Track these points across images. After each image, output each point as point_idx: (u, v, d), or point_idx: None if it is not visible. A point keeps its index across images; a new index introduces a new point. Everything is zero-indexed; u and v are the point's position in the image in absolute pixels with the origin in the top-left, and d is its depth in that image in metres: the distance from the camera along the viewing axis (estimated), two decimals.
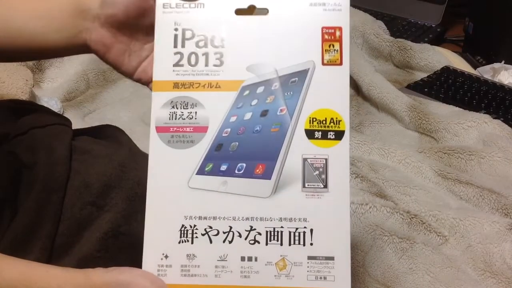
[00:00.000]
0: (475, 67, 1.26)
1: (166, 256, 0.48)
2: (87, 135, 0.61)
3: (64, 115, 1.00)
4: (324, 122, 0.49)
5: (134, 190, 0.56)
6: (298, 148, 0.49)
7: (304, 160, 0.49)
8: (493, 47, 1.27)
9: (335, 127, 0.49)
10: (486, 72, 1.23)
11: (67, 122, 0.61)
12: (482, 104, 1.10)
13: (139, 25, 0.52)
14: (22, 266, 0.46)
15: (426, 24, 1.44)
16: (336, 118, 0.49)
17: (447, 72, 1.21)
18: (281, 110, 0.50)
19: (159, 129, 0.49)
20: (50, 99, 1.07)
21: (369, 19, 1.37)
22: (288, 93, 0.50)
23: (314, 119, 0.49)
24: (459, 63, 1.27)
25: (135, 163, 0.58)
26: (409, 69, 1.28)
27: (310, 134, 0.49)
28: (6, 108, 0.60)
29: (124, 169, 0.57)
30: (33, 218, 0.53)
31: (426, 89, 1.16)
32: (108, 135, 0.62)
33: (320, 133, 0.49)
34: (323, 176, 0.48)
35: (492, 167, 0.94)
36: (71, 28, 0.53)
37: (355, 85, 1.21)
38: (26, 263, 0.46)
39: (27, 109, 0.60)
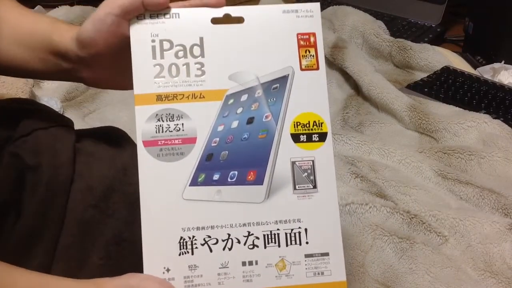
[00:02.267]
0: (475, 67, 1.26)
1: (168, 270, 0.48)
2: (89, 136, 0.61)
3: (64, 115, 1.00)
4: (307, 125, 0.51)
5: (136, 194, 0.56)
6: (286, 152, 0.50)
7: (293, 163, 0.50)
8: (493, 47, 1.27)
9: (318, 129, 0.51)
10: (486, 72, 1.23)
11: (70, 123, 0.61)
12: (482, 104, 1.10)
13: (124, 46, 0.51)
14: (35, 277, 0.46)
15: (426, 24, 1.44)
16: (319, 120, 0.51)
17: (447, 72, 1.21)
18: (266, 117, 0.51)
19: (146, 143, 0.49)
20: (50, 99, 1.07)
21: (369, 19, 1.37)
22: (271, 100, 0.51)
23: (298, 123, 0.51)
24: (459, 63, 1.27)
25: (137, 167, 0.58)
26: (409, 69, 1.28)
27: (295, 138, 0.51)
28: (9, 109, 0.60)
29: (126, 172, 0.57)
30: (37, 221, 0.53)
31: (426, 89, 1.16)
32: (111, 137, 0.62)
33: (305, 136, 0.51)
34: (312, 177, 0.50)
35: (492, 167, 0.94)
36: (55, 65, 0.53)
37: (355, 85, 1.21)
38: (38, 275, 0.47)
39: (30, 109, 0.60)
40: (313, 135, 0.51)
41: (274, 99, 0.51)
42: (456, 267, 0.77)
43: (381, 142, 1.01)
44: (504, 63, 1.22)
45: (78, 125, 0.64)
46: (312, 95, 0.51)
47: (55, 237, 0.53)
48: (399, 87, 1.17)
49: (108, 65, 0.53)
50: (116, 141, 0.61)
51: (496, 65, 1.23)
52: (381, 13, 1.48)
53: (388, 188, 0.91)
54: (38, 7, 1.42)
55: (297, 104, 0.51)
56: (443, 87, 1.16)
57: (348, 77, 1.23)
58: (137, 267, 0.48)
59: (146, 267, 0.48)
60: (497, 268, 0.77)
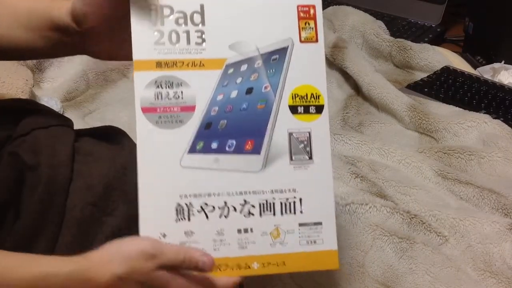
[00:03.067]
0: (475, 67, 1.26)
1: (164, 235, 0.48)
2: (89, 136, 0.61)
3: (64, 115, 1.00)
4: (305, 97, 0.52)
5: (135, 193, 0.56)
6: (284, 123, 0.51)
7: (290, 134, 0.51)
8: (493, 47, 1.27)
9: (315, 102, 0.52)
10: (486, 72, 1.23)
11: (69, 123, 0.61)
12: (482, 104, 1.10)
13: (120, 17, 0.50)
14: (19, 254, 0.47)
15: (426, 24, 1.44)
16: (316, 93, 0.52)
17: (447, 72, 1.21)
18: (265, 87, 0.52)
19: (145, 110, 0.49)
20: (50, 99, 1.07)
21: (369, 19, 1.37)
22: (271, 71, 0.52)
23: (296, 95, 0.52)
24: (459, 63, 1.26)
25: (136, 166, 0.58)
26: (409, 69, 1.28)
27: (293, 109, 0.52)
28: (9, 109, 0.60)
29: (125, 171, 0.57)
30: (36, 220, 0.53)
31: (426, 89, 1.16)
32: (111, 137, 0.62)
33: (302, 108, 0.52)
34: (308, 149, 0.51)
35: (492, 167, 0.94)
36: (58, 41, 0.53)
37: (355, 85, 1.21)
38: (24, 254, 0.47)
39: (30, 109, 0.60)
40: (310, 107, 0.52)
41: (273, 70, 0.52)
42: (456, 267, 0.77)
43: (381, 142, 1.01)
44: (504, 63, 1.22)
45: (78, 125, 0.64)
46: (311, 68, 0.52)
47: (55, 236, 0.53)
48: (399, 87, 1.17)
49: (108, 37, 0.52)
50: (116, 140, 0.61)
51: (496, 65, 1.23)
52: (381, 13, 1.48)
53: (388, 188, 0.91)
54: None
55: (296, 76, 0.52)
56: (443, 87, 1.16)
57: (348, 77, 1.23)
58: None
59: (142, 233, 0.48)
60: (497, 268, 0.77)
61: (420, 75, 1.23)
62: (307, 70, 0.52)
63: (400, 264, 0.78)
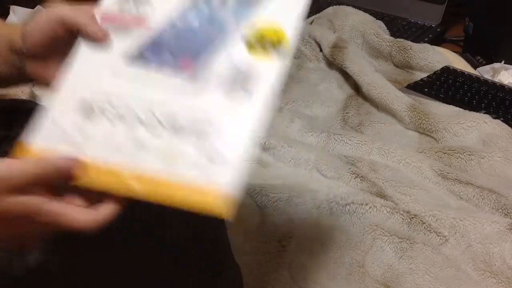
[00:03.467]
0: (475, 67, 1.26)
1: (56, 123, 0.49)
2: None
3: None
4: (267, 36, 0.49)
5: None
6: (233, 54, 0.49)
7: (235, 66, 0.48)
8: (493, 47, 1.27)
9: (276, 43, 0.49)
10: (486, 72, 1.23)
11: None
12: (482, 104, 1.10)
13: (63, 46, 0.52)
14: None
15: (426, 24, 1.44)
16: (281, 34, 0.49)
17: (447, 72, 1.21)
18: (227, 17, 0.51)
19: (104, 19, 0.52)
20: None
21: (369, 19, 1.37)
22: (240, 4, 0.51)
23: (259, 32, 0.49)
24: (459, 63, 1.26)
25: None
26: (409, 69, 1.28)
27: (249, 44, 0.49)
28: (8, 108, 0.60)
29: None
30: None
31: (426, 89, 1.16)
32: None
33: (260, 45, 0.49)
34: (249, 87, 0.47)
35: (492, 167, 0.94)
36: (14, 65, 0.54)
37: (355, 85, 1.21)
38: None
39: (29, 109, 0.60)
40: (268, 46, 0.49)
41: (243, 5, 0.51)
42: (456, 267, 0.77)
43: (381, 142, 1.01)
44: (504, 63, 1.22)
45: None
46: (286, 9, 0.50)
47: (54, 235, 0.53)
48: (399, 87, 1.17)
49: (45, 61, 0.53)
50: None
51: (496, 65, 1.23)
52: (381, 13, 1.48)
53: (388, 188, 0.91)
54: (38, 7, 1.42)
55: (265, 14, 0.50)
56: (443, 87, 1.16)
57: (348, 77, 1.23)
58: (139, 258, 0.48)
59: (38, 125, 0.49)
60: (497, 268, 0.77)
61: (420, 75, 1.23)
62: (281, 10, 0.50)
63: (400, 264, 0.78)
